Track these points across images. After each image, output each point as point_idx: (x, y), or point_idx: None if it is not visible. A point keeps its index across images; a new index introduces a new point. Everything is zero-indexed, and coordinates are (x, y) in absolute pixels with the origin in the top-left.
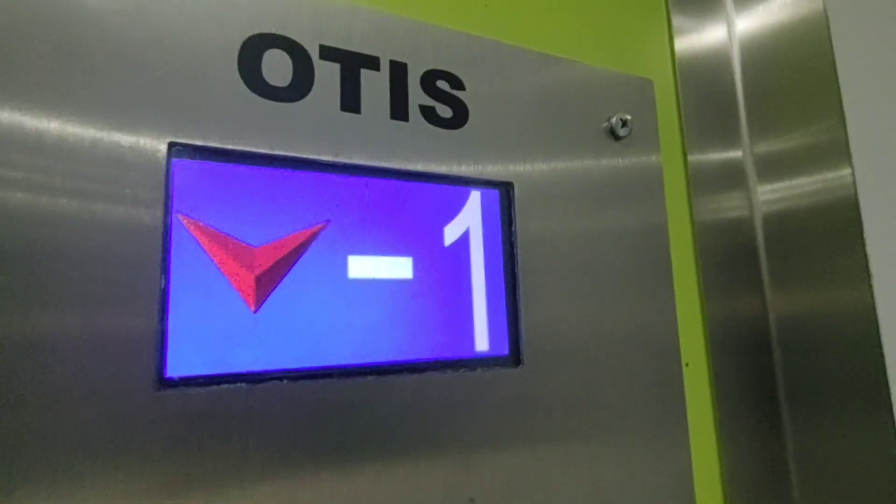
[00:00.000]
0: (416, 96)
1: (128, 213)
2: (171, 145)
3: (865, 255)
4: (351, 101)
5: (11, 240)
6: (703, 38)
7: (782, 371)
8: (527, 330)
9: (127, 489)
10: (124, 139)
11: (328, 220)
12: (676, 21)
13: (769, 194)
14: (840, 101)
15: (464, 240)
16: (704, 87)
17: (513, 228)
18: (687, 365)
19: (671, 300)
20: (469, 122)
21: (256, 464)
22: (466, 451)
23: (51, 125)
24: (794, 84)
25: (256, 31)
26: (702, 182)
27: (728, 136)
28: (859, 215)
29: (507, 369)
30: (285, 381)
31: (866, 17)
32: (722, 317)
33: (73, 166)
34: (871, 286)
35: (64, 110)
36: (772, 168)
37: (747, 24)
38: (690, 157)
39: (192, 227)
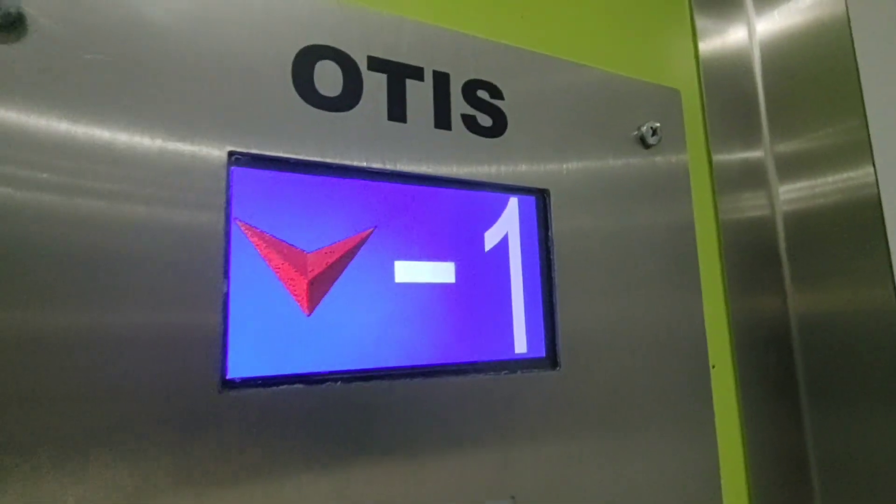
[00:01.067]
0: (458, 105)
1: (191, 219)
2: (231, 154)
3: (888, 254)
4: (397, 110)
5: (83, 245)
6: (725, 40)
7: (804, 370)
8: (563, 333)
9: (194, 485)
10: (187, 149)
11: (375, 226)
12: (700, 24)
13: (790, 194)
14: (862, 101)
15: (503, 245)
16: (727, 90)
17: (549, 234)
18: (714, 367)
19: (699, 300)
20: (508, 130)
21: (315, 462)
22: (507, 449)
23: (119, 136)
24: (815, 85)
25: (308, 43)
26: (725, 183)
27: (750, 136)
28: (882, 214)
29: (545, 371)
30: (339, 383)
31: (888, 18)
32: (745, 316)
33: (139, 174)
34: (893, 285)
35: (131, 122)
36: (793, 168)
37: (767, 26)
38: (715, 158)
39: (249, 233)
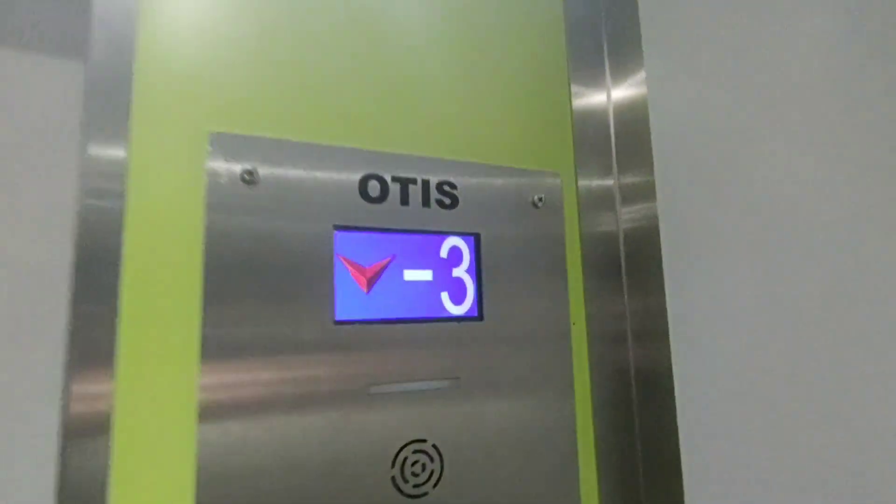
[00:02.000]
0: (434, 194)
1: (321, 252)
2: (336, 226)
3: (661, 269)
4: (404, 200)
5: (281, 259)
6: (590, 101)
7: (632, 342)
8: (487, 301)
9: (318, 382)
10: (322, 223)
11: (394, 255)
12: (574, 89)
13: (627, 214)
14: (651, 155)
15: (456, 262)
16: (592, 135)
17: (480, 255)
18: (574, 324)
19: (566, 289)
20: (459, 205)
21: (377, 367)
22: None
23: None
24: (633, 137)
25: (364, 173)
26: (587, 207)
27: (605, 169)
28: (659, 237)
29: (476, 322)
30: (380, 324)
31: (678, 98)
32: (597, 301)
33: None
34: (663, 292)
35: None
36: (629, 196)
37: (618, 93)
38: (580, 183)
39: (341, 258)
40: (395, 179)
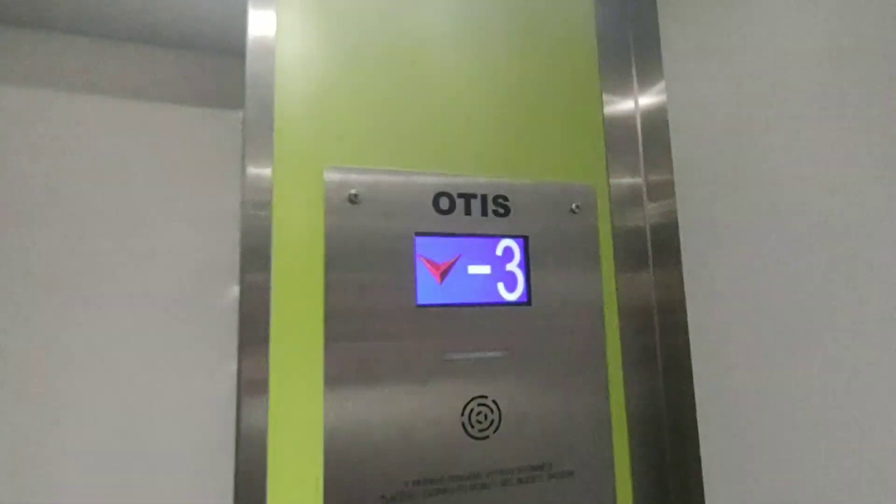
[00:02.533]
0: (490, 206)
1: (406, 251)
2: (416, 232)
3: (680, 261)
4: (467, 211)
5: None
6: (621, 107)
7: (658, 322)
8: (534, 290)
9: (405, 351)
10: (406, 230)
11: (460, 254)
12: (605, 97)
13: (653, 210)
14: (671, 157)
15: (508, 256)
16: (622, 138)
17: (528, 252)
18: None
19: (599, 279)
20: (510, 213)
21: (450, 340)
22: (509, 339)
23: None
24: (659, 139)
25: (437, 191)
26: (617, 203)
27: (633, 168)
28: (678, 232)
29: (525, 307)
30: (451, 307)
31: (695, 101)
32: (627, 289)
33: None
34: (682, 281)
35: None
36: (654, 194)
37: (644, 100)
38: (612, 181)
39: (421, 258)
40: (460, 195)
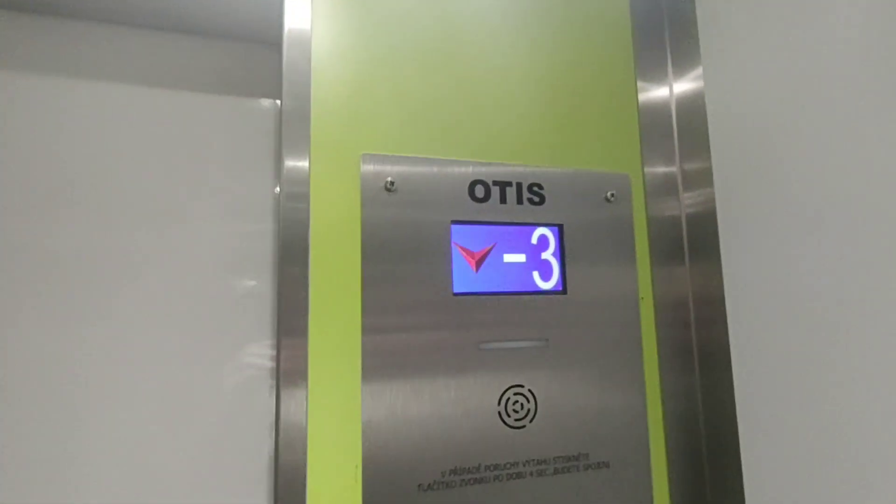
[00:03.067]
0: (525, 194)
1: (442, 240)
2: (452, 220)
3: (718, 250)
4: (503, 199)
5: (419, 248)
6: (656, 94)
7: (694, 322)
8: (569, 279)
9: (442, 340)
10: (443, 218)
11: (496, 242)
12: (640, 84)
13: (689, 199)
14: (708, 145)
15: (543, 245)
16: (657, 126)
17: (563, 241)
18: (642, 298)
19: (635, 268)
20: (545, 202)
21: (486, 329)
22: (546, 328)
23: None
24: (694, 127)
25: (472, 179)
26: (652, 192)
27: (668, 157)
28: (716, 221)
29: (561, 296)
30: (487, 296)
31: (732, 89)
32: (662, 279)
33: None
34: (721, 272)
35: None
36: (690, 182)
37: (679, 87)
38: (647, 170)
39: (457, 245)
40: (495, 183)
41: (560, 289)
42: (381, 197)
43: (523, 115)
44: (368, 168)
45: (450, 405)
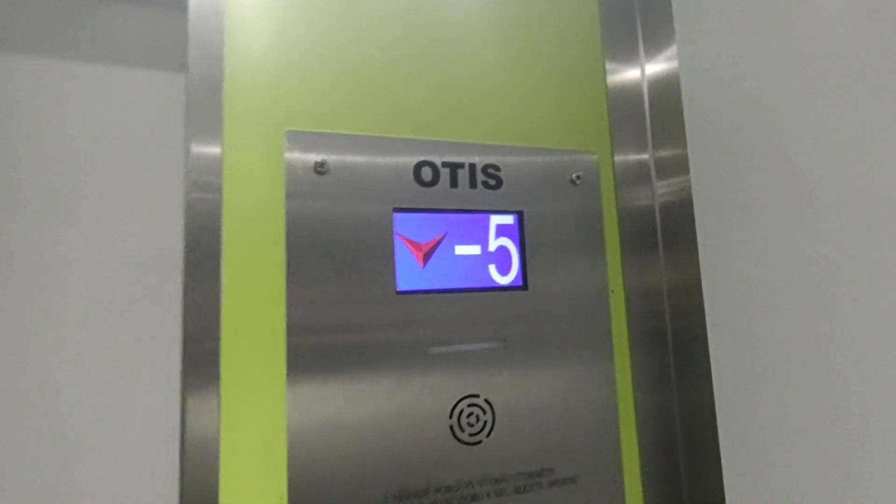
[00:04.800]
0: (480, 176)
1: (383, 230)
2: (395, 208)
3: (695, 241)
4: (453, 183)
5: (356, 245)
6: (625, 76)
7: (669, 313)
8: (531, 273)
9: (385, 344)
10: (383, 206)
11: (446, 232)
12: (608, 66)
13: (662, 188)
14: (684, 130)
15: (501, 235)
16: (626, 113)
17: (523, 230)
18: (612, 291)
19: (604, 260)
20: (503, 186)
21: (435, 331)
22: (505, 326)
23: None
24: (667, 112)
25: (419, 160)
26: (623, 180)
27: (641, 143)
28: (692, 210)
29: (520, 292)
30: (436, 294)
31: (707, 72)
32: (635, 271)
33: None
34: (697, 263)
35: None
36: (664, 170)
37: (651, 68)
38: (617, 158)
39: (400, 236)
40: (444, 165)
41: (520, 284)
42: (310, 180)
43: (480, 88)
44: (295, 146)
45: (394, 418)
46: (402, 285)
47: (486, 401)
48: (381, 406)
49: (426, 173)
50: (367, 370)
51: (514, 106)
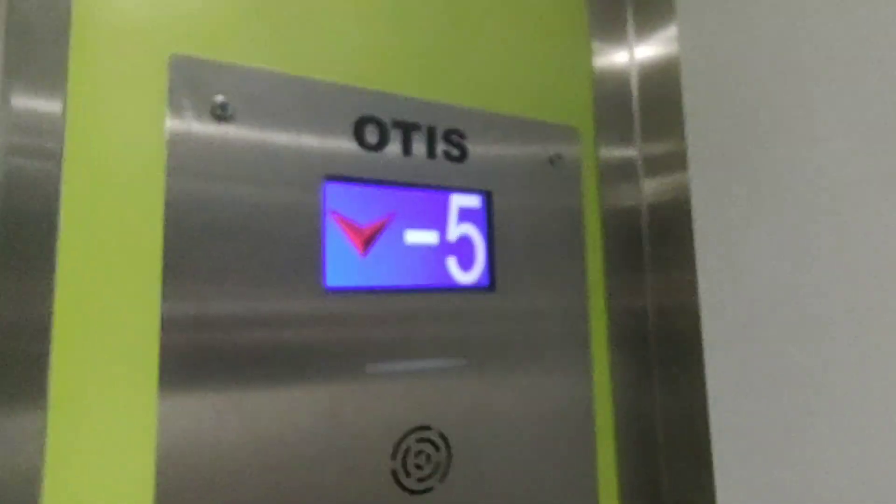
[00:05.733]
0: (440, 143)
1: (309, 205)
2: (326, 176)
3: (692, 247)
4: (407, 148)
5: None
6: (612, 60)
7: (654, 329)
8: (499, 269)
9: (306, 359)
10: (310, 171)
11: (394, 213)
12: (594, 45)
13: (651, 188)
14: (682, 121)
15: (464, 220)
16: (611, 101)
17: (491, 216)
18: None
19: (583, 259)
20: (468, 157)
21: (375, 342)
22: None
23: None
24: (661, 103)
25: (361, 114)
26: (607, 177)
27: (626, 137)
28: (690, 212)
29: (486, 294)
30: (378, 293)
31: (713, 58)
32: (615, 277)
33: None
34: (695, 272)
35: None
36: (653, 167)
37: (642, 52)
38: (601, 153)
39: (333, 215)
40: (396, 124)
41: (486, 284)
42: (204, 130)
43: (445, 33)
44: (182, 82)
45: (314, 457)
46: (332, 280)
47: (441, 435)
48: (300, 440)
49: (370, 133)
50: (282, 391)
51: (487, 61)
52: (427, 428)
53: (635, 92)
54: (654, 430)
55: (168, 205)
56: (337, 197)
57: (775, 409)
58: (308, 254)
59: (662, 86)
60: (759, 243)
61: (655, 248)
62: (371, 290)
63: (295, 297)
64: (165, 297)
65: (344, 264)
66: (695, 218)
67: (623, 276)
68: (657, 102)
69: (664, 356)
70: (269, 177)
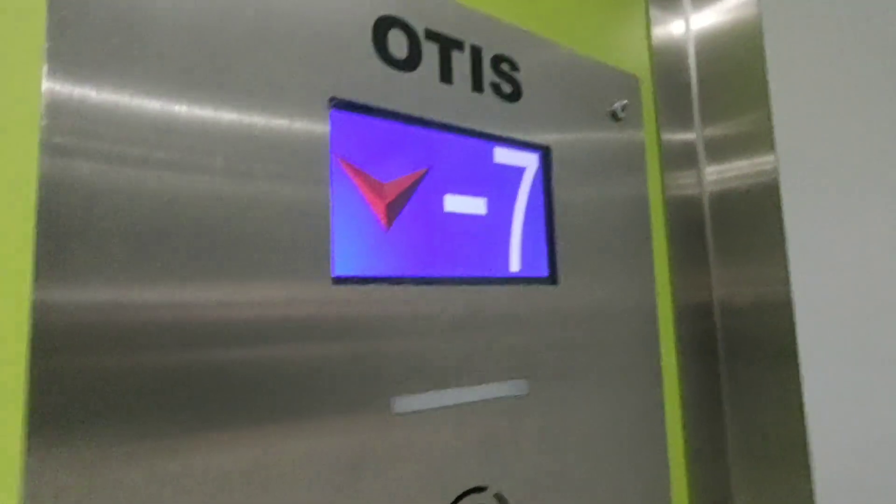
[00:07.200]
0: (488, 73)
1: (307, 147)
2: (333, 101)
3: (783, 235)
4: (445, 72)
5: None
6: (670, 31)
7: (722, 331)
8: (562, 253)
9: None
10: (308, 88)
11: (429, 167)
12: (652, 14)
13: (714, 175)
14: (767, 95)
15: (515, 183)
16: (670, 77)
17: (550, 182)
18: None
19: (649, 240)
20: (523, 98)
21: (395, 339)
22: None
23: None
24: (734, 77)
25: (382, 13)
26: (667, 162)
27: (686, 120)
28: (780, 199)
29: (546, 286)
30: (412, 284)
31: (797, 24)
32: (680, 274)
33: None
34: (786, 263)
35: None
36: (717, 151)
37: (701, 21)
38: (663, 137)
39: (342, 164)
40: (430, 36)
41: (545, 274)
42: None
43: None
44: None
45: None
46: (341, 268)
47: (498, 498)
48: None
49: (396, 43)
50: (263, 437)
51: None
52: (481, 489)
53: (694, 69)
54: (724, 443)
55: (43, 142)
56: (347, 132)
57: (879, 414)
58: (305, 227)
59: (722, 60)
60: (855, 224)
61: (718, 238)
62: (398, 281)
63: (285, 294)
64: (38, 284)
65: (359, 241)
66: (784, 201)
67: (687, 268)
68: (717, 79)
69: (736, 357)
70: (242, 100)
